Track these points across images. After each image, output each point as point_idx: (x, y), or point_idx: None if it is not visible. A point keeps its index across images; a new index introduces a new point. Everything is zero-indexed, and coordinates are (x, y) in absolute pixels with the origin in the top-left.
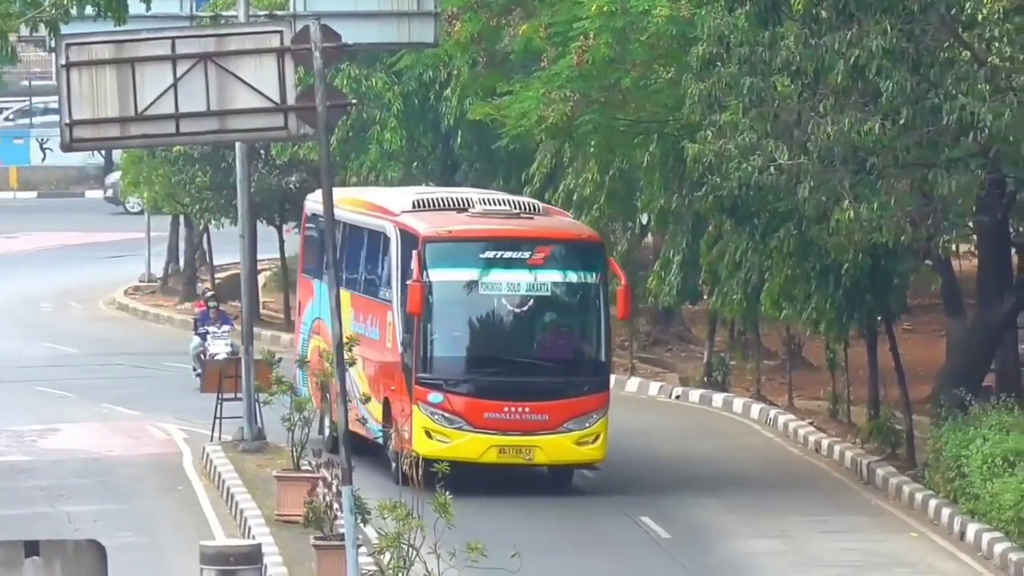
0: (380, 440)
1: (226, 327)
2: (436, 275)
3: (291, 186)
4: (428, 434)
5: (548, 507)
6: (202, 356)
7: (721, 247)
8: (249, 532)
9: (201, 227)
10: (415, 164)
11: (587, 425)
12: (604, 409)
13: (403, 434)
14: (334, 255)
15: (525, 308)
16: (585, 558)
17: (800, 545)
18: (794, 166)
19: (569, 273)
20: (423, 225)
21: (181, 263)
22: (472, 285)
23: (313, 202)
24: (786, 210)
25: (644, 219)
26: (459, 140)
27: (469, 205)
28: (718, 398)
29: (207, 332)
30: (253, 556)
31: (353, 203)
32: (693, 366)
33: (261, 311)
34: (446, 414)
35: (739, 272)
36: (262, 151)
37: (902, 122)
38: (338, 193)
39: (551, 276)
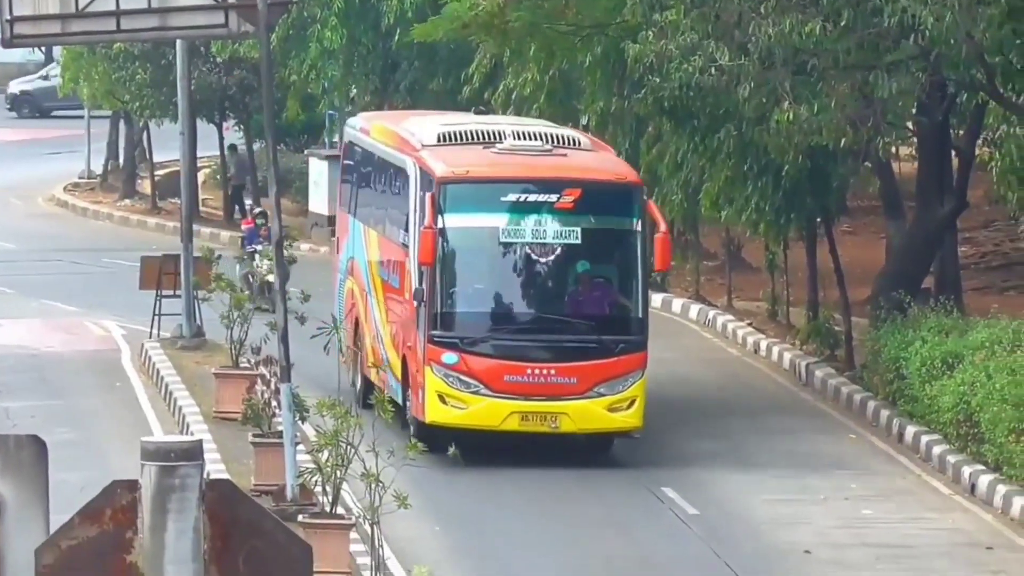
0: (399, 399)
1: (263, 242)
2: (452, 220)
3: (231, 84)
4: (442, 399)
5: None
6: (250, 278)
7: (661, 148)
8: (187, 429)
9: (141, 124)
10: (355, 63)
11: (621, 389)
12: (641, 371)
13: (418, 399)
14: (273, 174)
15: (552, 258)
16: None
17: (737, 446)
18: (735, 67)
19: (603, 218)
20: (440, 164)
21: (121, 160)
22: (492, 232)
23: (351, 128)
24: (726, 111)
25: (584, 120)
26: (399, 39)
27: (500, 138)
28: (657, 298)
29: (255, 251)
30: (195, 452)
31: (383, 133)
32: None
33: (200, 208)
34: (462, 376)
35: (679, 173)
36: (203, 49)
37: (843, 24)
38: (372, 119)
39: (582, 222)
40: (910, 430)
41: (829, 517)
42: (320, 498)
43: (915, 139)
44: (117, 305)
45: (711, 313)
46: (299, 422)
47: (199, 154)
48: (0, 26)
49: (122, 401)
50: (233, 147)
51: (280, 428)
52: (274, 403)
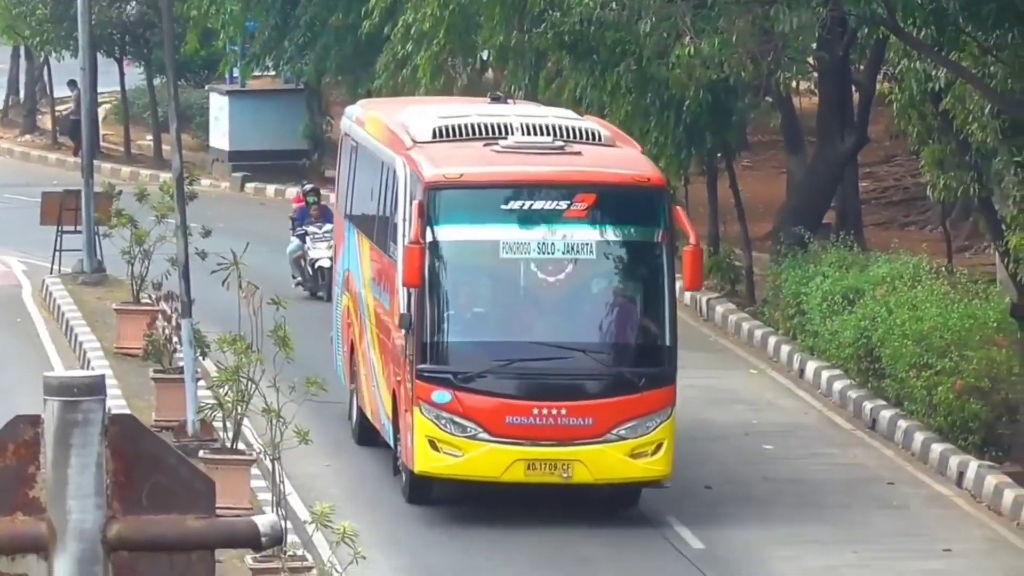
0: (390, 440)
1: (328, 226)
2: (444, 233)
3: (130, 18)
4: (433, 445)
5: None
6: (302, 262)
7: (560, 84)
8: (88, 364)
9: (41, 59)
10: None
11: (645, 431)
12: (669, 409)
13: (407, 444)
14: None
15: (562, 276)
16: None
17: None
18: (635, 1)
19: (622, 229)
20: (429, 165)
21: (21, 96)
22: (491, 246)
23: (347, 119)
24: (627, 46)
25: (484, 55)
26: None
27: (506, 133)
28: None
29: (306, 233)
30: (97, 387)
31: (376, 125)
32: None
33: (101, 144)
34: (456, 418)
35: (578, 108)
36: None
37: None
38: (369, 107)
39: (597, 233)
40: (811, 365)
41: (731, 453)
42: (221, 434)
43: (816, 74)
44: (18, 241)
45: None
46: (200, 358)
47: (100, 89)
48: None
49: (23, 336)
50: (73, 82)
51: (181, 364)
52: (175, 339)
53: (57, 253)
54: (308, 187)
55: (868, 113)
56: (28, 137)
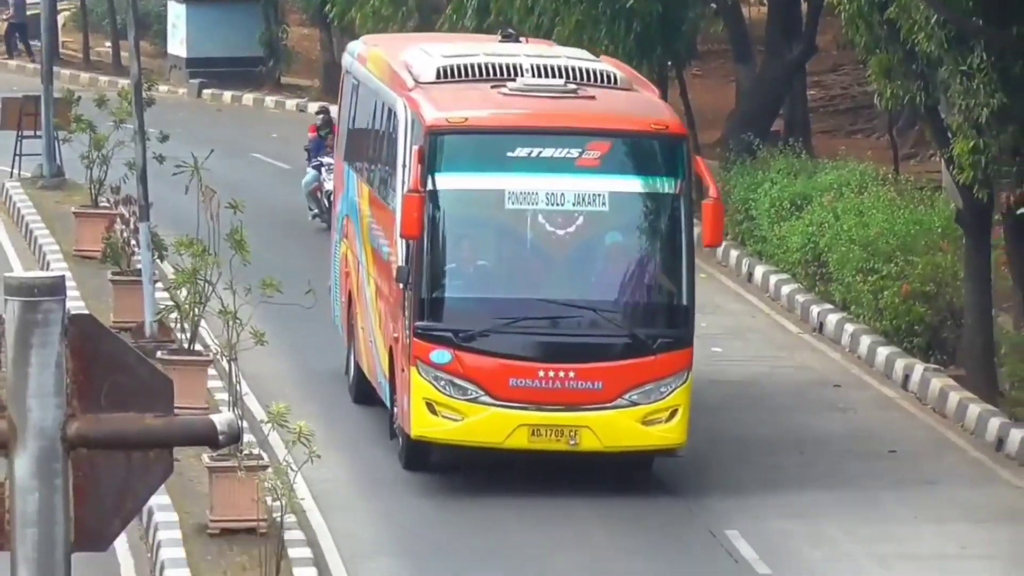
0: (386, 400)
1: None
2: (445, 181)
3: None
4: (431, 408)
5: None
6: (318, 194)
7: None
8: (48, 266)
9: None
10: None
11: (660, 396)
12: (685, 373)
13: (403, 407)
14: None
15: (572, 229)
16: None
17: None
18: None
19: (637, 179)
20: (431, 108)
21: None
22: (497, 196)
23: (349, 55)
24: None
25: None
26: None
27: (516, 73)
28: None
29: (321, 164)
30: (57, 288)
31: (378, 63)
32: None
33: (60, 50)
34: (456, 379)
35: (530, 17)
36: None
37: None
38: (371, 44)
39: (611, 183)
40: (759, 270)
41: None
42: (178, 335)
43: None
44: None
45: None
46: (157, 260)
47: None
48: None
49: None
50: None
51: (139, 266)
52: (133, 242)
53: (16, 158)
54: (321, 119)
55: (816, 23)
56: None
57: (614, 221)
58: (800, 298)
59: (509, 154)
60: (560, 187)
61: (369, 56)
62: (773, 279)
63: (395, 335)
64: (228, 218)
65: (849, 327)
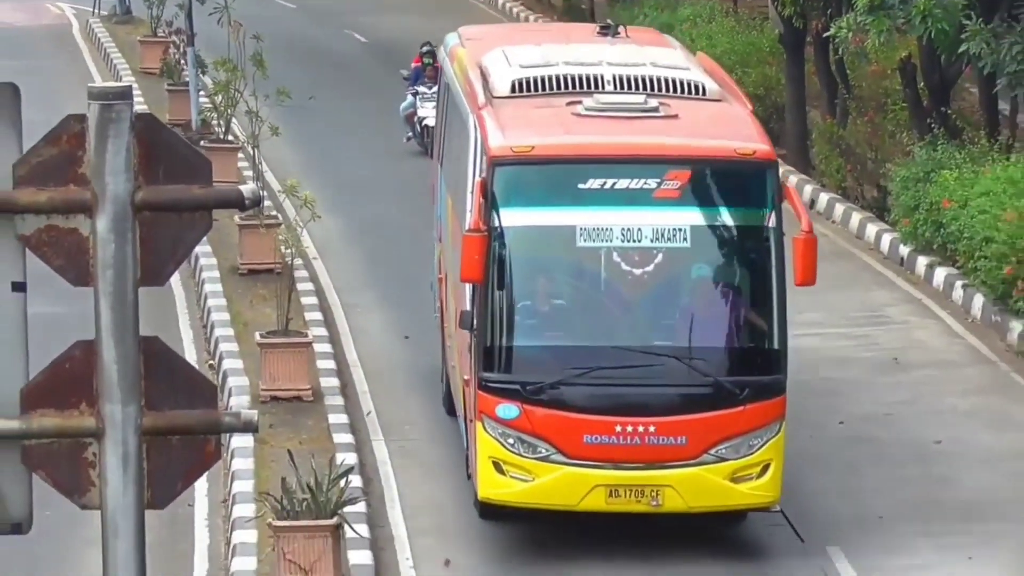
0: (463, 438)
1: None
2: (509, 218)
3: None
4: (498, 467)
5: None
6: (413, 119)
7: None
8: (120, 79)
9: None
10: None
11: (750, 450)
12: (777, 424)
13: (471, 461)
14: None
15: (649, 269)
16: None
17: None
18: None
19: (720, 211)
20: (498, 134)
21: None
22: (567, 233)
23: (444, 49)
24: None
25: None
26: None
27: (596, 85)
28: None
29: (416, 92)
30: (127, 94)
31: (461, 65)
32: None
33: None
34: (525, 436)
35: None
36: None
37: None
38: (465, 38)
39: (691, 216)
40: None
41: None
42: (216, 129)
43: None
44: None
45: None
46: (201, 75)
47: None
48: None
49: (73, 60)
50: None
51: (187, 79)
52: (182, 61)
53: (96, 0)
54: (425, 48)
55: None
56: None
57: (696, 258)
58: None
59: (580, 186)
60: (637, 221)
61: (456, 55)
62: None
63: (466, 377)
64: (252, 46)
65: None
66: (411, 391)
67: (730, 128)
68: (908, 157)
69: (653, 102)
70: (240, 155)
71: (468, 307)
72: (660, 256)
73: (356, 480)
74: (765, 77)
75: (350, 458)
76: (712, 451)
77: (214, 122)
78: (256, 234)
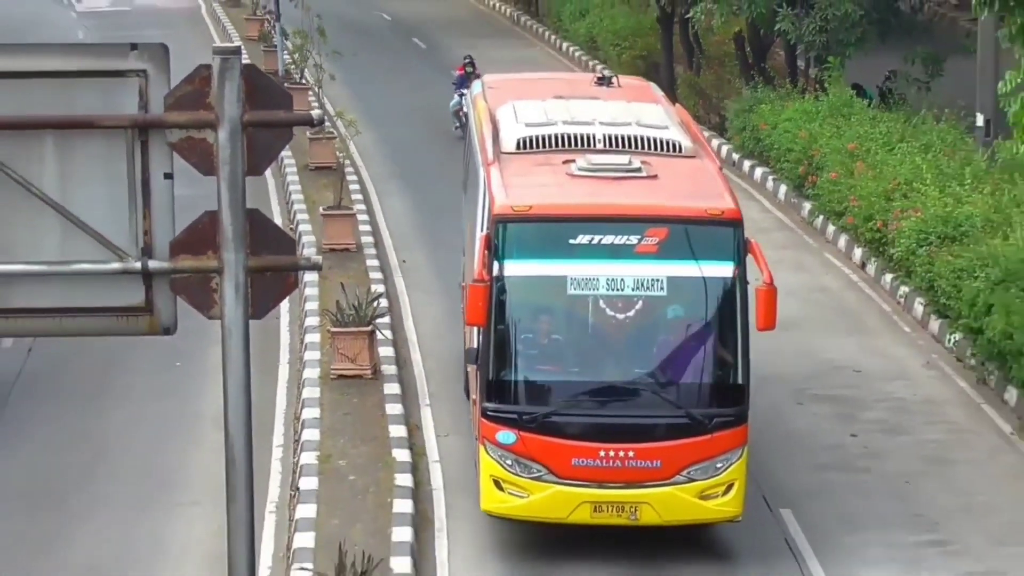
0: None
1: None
2: (509, 269)
3: None
4: (498, 485)
5: None
6: (460, 114)
7: None
8: (232, 42)
9: None
10: None
11: (715, 472)
12: (740, 449)
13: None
14: None
15: (631, 314)
16: None
17: None
18: None
19: (692, 264)
20: (501, 194)
21: None
22: (559, 282)
23: (469, 96)
24: None
25: None
26: None
27: (589, 143)
28: None
29: (462, 94)
30: (238, 51)
31: (479, 115)
32: None
33: None
34: (521, 459)
35: None
36: None
37: None
38: (487, 86)
39: (667, 269)
40: None
41: None
42: (294, 76)
43: None
44: None
45: None
46: (285, 40)
47: None
48: None
49: (199, 31)
50: None
51: (275, 44)
52: (272, 32)
53: None
54: (466, 60)
55: None
56: None
57: (672, 305)
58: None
59: (571, 241)
60: (620, 273)
61: (477, 105)
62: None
63: (474, 397)
64: (316, 22)
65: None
66: (424, 247)
67: (702, 188)
68: (739, 96)
69: (636, 162)
70: (310, 93)
71: (474, 345)
72: (640, 303)
73: (384, 302)
74: (648, 44)
75: (380, 288)
76: (683, 473)
77: (293, 71)
78: (320, 143)
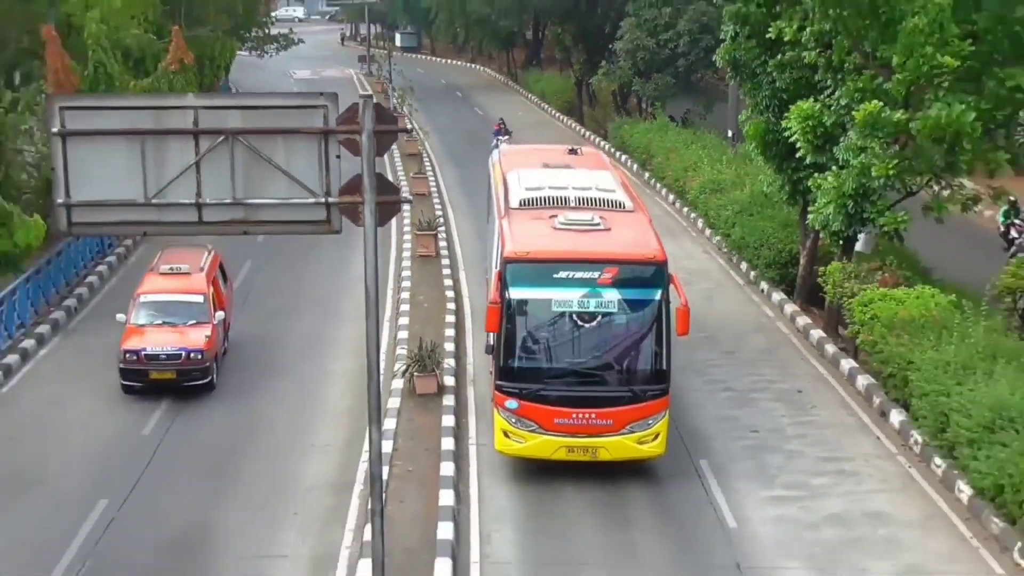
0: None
1: (506, 138)
2: (515, 293)
3: None
4: (506, 434)
5: None
6: (495, 146)
7: None
8: (368, 91)
9: None
10: None
11: (647, 427)
12: (664, 412)
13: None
14: None
15: (593, 323)
16: None
17: None
18: None
19: (635, 291)
20: (510, 242)
21: None
22: (547, 302)
23: (491, 160)
24: None
25: None
26: None
27: (565, 204)
28: None
29: (498, 143)
30: (372, 97)
31: (496, 176)
32: None
33: None
34: (521, 419)
35: None
36: None
37: None
38: (503, 155)
39: (618, 294)
40: None
41: None
42: (398, 109)
43: None
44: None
45: None
46: (393, 91)
47: None
48: (55, 210)
49: (351, 86)
50: None
51: (389, 93)
52: (389, 88)
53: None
54: (500, 119)
55: None
56: None
57: (620, 318)
58: None
59: (555, 275)
60: (587, 297)
61: (495, 167)
62: None
63: (491, 369)
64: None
65: None
66: (462, 194)
67: (640, 238)
68: (614, 121)
69: (596, 218)
70: (405, 117)
71: (491, 343)
72: (600, 317)
73: (441, 219)
74: (569, 96)
75: (439, 212)
76: (627, 428)
77: (397, 106)
78: (412, 141)
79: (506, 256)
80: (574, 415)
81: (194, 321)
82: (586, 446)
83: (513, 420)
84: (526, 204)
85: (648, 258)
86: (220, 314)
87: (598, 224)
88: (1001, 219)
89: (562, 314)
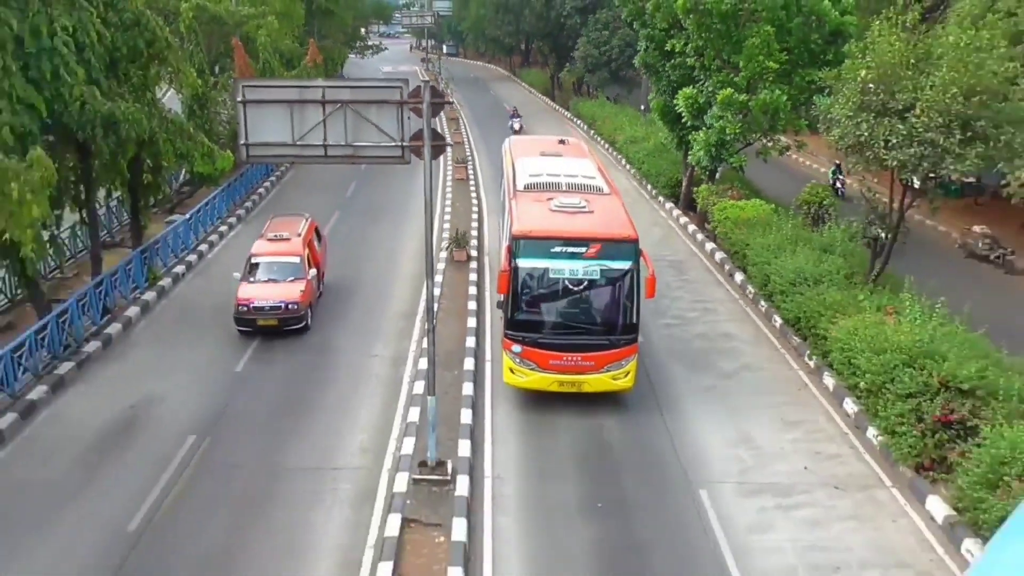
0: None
1: (519, 118)
2: (521, 262)
3: None
4: (511, 371)
5: None
6: (510, 126)
7: None
8: (426, 78)
9: None
10: None
11: (620, 367)
12: (634, 356)
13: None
14: None
15: (581, 287)
16: None
17: None
18: None
19: (614, 262)
20: (516, 222)
21: None
22: (545, 270)
23: (503, 147)
24: None
25: None
26: None
27: (558, 188)
28: None
29: (513, 122)
30: (427, 81)
31: (507, 161)
32: None
33: None
34: (523, 360)
35: None
36: None
37: None
38: (511, 144)
39: (601, 264)
40: None
41: None
42: (446, 91)
43: None
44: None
45: None
46: (441, 79)
47: None
48: (239, 149)
49: (415, 75)
50: None
51: (441, 80)
52: (439, 77)
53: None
54: (514, 107)
55: None
56: None
57: (602, 282)
58: None
59: (552, 249)
60: (577, 267)
61: (506, 154)
62: None
63: (503, 318)
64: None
65: None
66: (484, 143)
67: (616, 219)
68: (575, 100)
69: (583, 202)
70: (448, 96)
71: (501, 300)
72: (586, 282)
73: (470, 157)
74: (546, 85)
75: (468, 153)
76: (605, 368)
77: (445, 89)
78: (452, 111)
79: (514, 234)
80: (564, 358)
81: (292, 278)
82: (573, 381)
83: (517, 361)
84: (529, 188)
85: (625, 237)
86: (313, 271)
87: (584, 207)
88: (830, 175)
89: (557, 280)
